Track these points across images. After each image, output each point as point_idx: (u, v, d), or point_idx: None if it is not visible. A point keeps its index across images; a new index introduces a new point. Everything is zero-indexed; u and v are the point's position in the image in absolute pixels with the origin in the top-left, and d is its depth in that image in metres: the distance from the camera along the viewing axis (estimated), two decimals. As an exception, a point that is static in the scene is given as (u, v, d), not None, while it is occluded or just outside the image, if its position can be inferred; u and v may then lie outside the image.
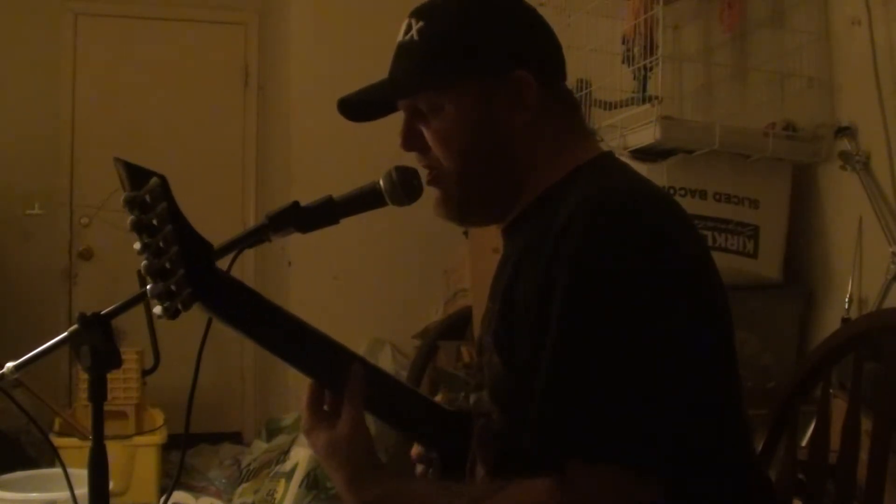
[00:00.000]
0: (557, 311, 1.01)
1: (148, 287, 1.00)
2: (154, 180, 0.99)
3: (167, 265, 0.99)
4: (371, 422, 1.14)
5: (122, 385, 3.73)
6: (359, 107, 1.22)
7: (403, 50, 1.17)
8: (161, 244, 0.99)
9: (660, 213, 1.08)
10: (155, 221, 0.99)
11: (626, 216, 1.04)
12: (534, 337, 1.04)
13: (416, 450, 1.27)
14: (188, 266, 0.99)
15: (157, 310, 1.01)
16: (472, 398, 1.21)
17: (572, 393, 1.00)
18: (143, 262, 1.00)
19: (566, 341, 1.01)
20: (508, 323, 1.12)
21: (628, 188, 1.10)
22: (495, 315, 1.16)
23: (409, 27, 1.17)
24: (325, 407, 1.14)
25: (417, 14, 1.17)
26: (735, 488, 1.11)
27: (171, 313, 1.00)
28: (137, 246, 1.00)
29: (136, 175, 1.01)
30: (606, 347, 0.99)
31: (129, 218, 0.99)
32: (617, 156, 1.29)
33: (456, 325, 3.72)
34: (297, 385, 1.11)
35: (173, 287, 0.99)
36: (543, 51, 1.20)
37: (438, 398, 1.29)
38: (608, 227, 1.02)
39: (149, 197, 0.99)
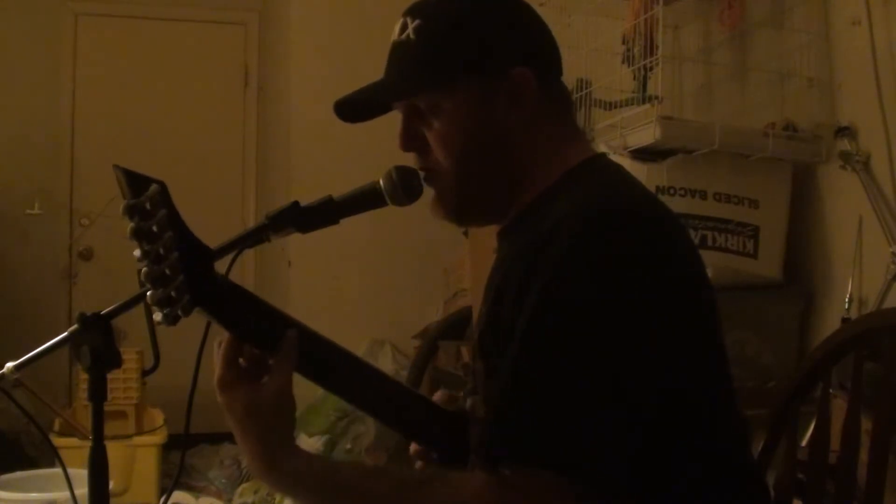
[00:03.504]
0: (528, 315, 1.01)
1: (148, 294, 1.00)
2: (154, 187, 0.99)
3: (167, 271, 0.99)
4: (371, 424, 1.14)
5: (122, 385, 3.73)
6: (354, 108, 1.20)
7: (400, 49, 1.16)
8: (161, 251, 0.99)
9: (646, 223, 1.06)
10: (155, 228, 0.99)
11: (610, 227, 1.03)
12: (510, 343, 1.04)
13: (415, 447, 1.27)
14: (187, 272, 0.99)
15: (158, 316, 1.01)
16: (469, 402, 1.21)
17: (528, 398, 0.98)
18: (144, 269, 1.00)
19: (531, 345, 1.00)
20: (493, 329, 1.11)
21: (615, 197, 1.09)
22: (485, 320, 1.16)
23: (405, 26, 1.15)
24: (242, 362, 1.08)
25: (413, 12, 1.15)
26: (728, 497, 1.10)
27: (171, 319, 1.00)
28: (137, 253, 1.00)
29: (135, 182, 1.01)
30: (575, 356, 0.98)
31: (129, 225, 0.99)
32: (612, 156, 1.29)
33: (456, 325, 3.72)
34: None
35: (173, 293, 0.99)
36: (541, 47, 1.19)
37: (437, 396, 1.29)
38: (591, 238, 1.02)
39: (149, 204, 0.99)
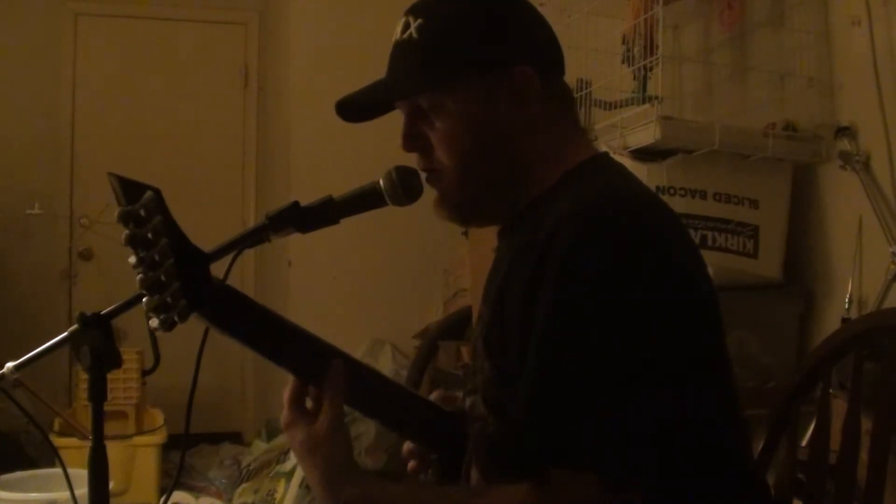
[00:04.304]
0: (543, 318, 1.01)
1: (144, 300, 1.01)
2: (148, 194, 0.99)
3: (162, 278, 0.99)
4: (371, 424, 1.15)
5: (122, 385, 3.73)
6: (356, 107, 1.20)
7: (402, 48, 1.16)
8: (156, 257, 0.99)
9: (646, 223, 1.07)
10: (150, 235, 0.99)
11: (611, 227, 1.03)
12: (521, 344, 1.04)
13: (407, 446, 1.27)
14: (183, 278, 0.99)
15: (154, 322, 1.01)
16: (468, 402, 1.21)
17: (556, 400, 1.00)
18: (139, 276, 1.00)
19: (552, 348, 1.01)
20: (498, 328, 1.11)
21: (616, 197, 1.10)
22: (486, 320, 1.16)
23: (407, 25, 1.15)
24: (308, 404, 1.13)
25: (415, 11, 1.15)
26: (729, 496, 1.10)
27: (168, 325, 1.00)
28: (133, 260, 1.00)
29: (130, 189, 1.01)
30: (592, 356, 0.99)
31: (125, 232, 0.99)
32: (613, 156, 1.29)
33: (456, 325, 3.72)
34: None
35: (169, 299, 0.99)
36: (543, 45, 1.19)
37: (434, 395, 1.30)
38: (593, 237, 1.02)
39: (143, 211, 0.99)
